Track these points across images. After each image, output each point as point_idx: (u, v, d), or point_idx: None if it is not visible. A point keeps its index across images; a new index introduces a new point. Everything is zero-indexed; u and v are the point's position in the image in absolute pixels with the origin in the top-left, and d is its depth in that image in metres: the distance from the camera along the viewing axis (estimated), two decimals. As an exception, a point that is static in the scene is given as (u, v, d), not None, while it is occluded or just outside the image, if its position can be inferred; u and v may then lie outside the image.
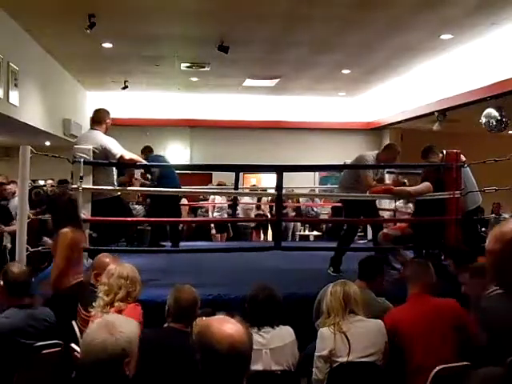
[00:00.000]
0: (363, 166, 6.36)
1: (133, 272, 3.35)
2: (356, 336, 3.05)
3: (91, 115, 5.63)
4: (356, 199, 5.74)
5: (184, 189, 7.19)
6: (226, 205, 9.74)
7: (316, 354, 3.10)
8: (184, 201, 9.52)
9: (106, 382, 1.76)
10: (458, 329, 3.16)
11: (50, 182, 7.51)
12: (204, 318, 3.81)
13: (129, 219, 5.66)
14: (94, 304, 3.30)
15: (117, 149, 5.25)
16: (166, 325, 3.05)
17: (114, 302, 3.21)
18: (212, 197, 9.87)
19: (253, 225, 10.49)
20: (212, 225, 9.90)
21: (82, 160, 4.93)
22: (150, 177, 7.30)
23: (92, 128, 5.60)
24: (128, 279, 3.28)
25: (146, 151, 7.56)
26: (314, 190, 11.21)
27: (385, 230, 5.67)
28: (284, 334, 3.12)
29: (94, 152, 5.10)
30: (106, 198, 5.26)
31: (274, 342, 3.02)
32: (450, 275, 4.38)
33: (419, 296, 3.34)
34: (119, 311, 3.15)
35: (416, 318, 3.18)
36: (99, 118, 5.46)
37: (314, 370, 3.10)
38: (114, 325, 1.80)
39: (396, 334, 3.15)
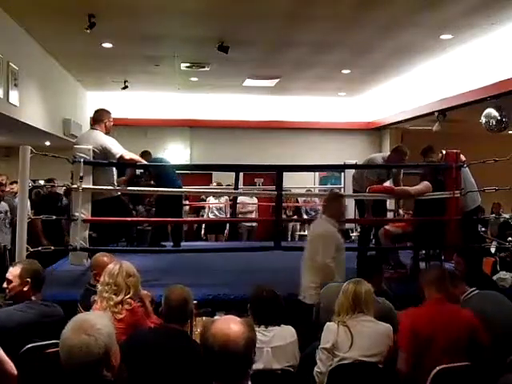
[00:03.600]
0: (364, 166, 6.38)
1: (134, 269, 3.36)
2: (360, 334, 3.07)
3: (91, 115, 5.63)
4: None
5: (183, 189, 7.18)
6: (222, 206, 9.80)
7: (320, 346, 3.13)
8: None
9: (96, 380, 1.79)
10: (472, 339, 3.08)
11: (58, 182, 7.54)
12: (204, 317, 3.86)
13: (128, 219, 5.67)
14: (96, 305, 3.28)
15: (117, 148, 5.26)
16: None
17: (123, 301, 3.18)
18: (208, 198, 9.91)
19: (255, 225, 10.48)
20: (203, 225, 9.93)
21: (82, 160, 4.94)
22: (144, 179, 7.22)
23: (92, 128, 5.60)
24: (135, 277, 3.30)
25: (145, 157, 7.08)
26: (312, 190, 11.19)
27: (386, 227, 5.69)
28: (286, 334, 3.13)
29: (94, 152, 5.10)
30: (106, 198, 5.26)
31: (276, 341, 3.03)
32: None
33: (438, 301, 3.25)
34: (131, 310, 3.16)
35: (434, 322, 3.10)
36: (99, 118, 5.46)
37: (317, 362, 3.13)
38: (89, 324, 1.81)
39: (416, 333, 3.08)
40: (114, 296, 3.19)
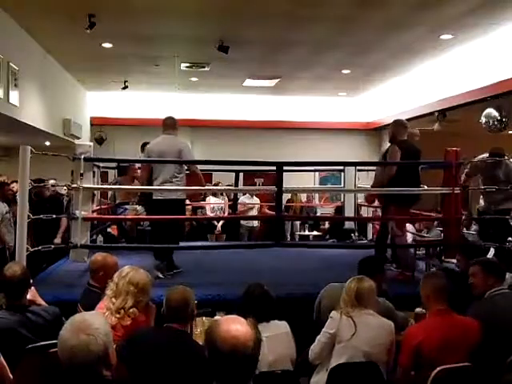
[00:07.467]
0: (365, 164, 6.38)
1: (145, 280, 3.20)
2: (363, 325, 3.11)
3: (165, 121, 5.60)
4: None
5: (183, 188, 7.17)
6: (221, 205, 9.81)
7: (323, 329, 3.18)
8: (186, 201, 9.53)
9: (97, 379, 1.80)
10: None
11: (52, 181, 7.45)
12: (204, 317, 3.86)
13: (129, 218, 5.67)
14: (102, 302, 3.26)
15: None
16: None
17: (125, 309, 3.08)
18: (208, 197, 9.92)
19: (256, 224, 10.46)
20: (219, 224, 9.94)
21: (83, 157, 4.94)
22: None
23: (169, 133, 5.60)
24: (137, 287, 3.13)
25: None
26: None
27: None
28: (279, 326, 3.20)
29: (170, 153, 5.33)
30: (175, 198, 5.33)
31: (269, 331, 3.08)
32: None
33: (444, 312, 3.14)
34: (136, 320, 3.08)
35: (442, 339, 3.00)
36: (174, 125, 5.61)
37: (315, 341, 3.19)
38: (87, 324, 1.83)
39: (421, 354, 2.99)
40: (113, 298, 3.12)
